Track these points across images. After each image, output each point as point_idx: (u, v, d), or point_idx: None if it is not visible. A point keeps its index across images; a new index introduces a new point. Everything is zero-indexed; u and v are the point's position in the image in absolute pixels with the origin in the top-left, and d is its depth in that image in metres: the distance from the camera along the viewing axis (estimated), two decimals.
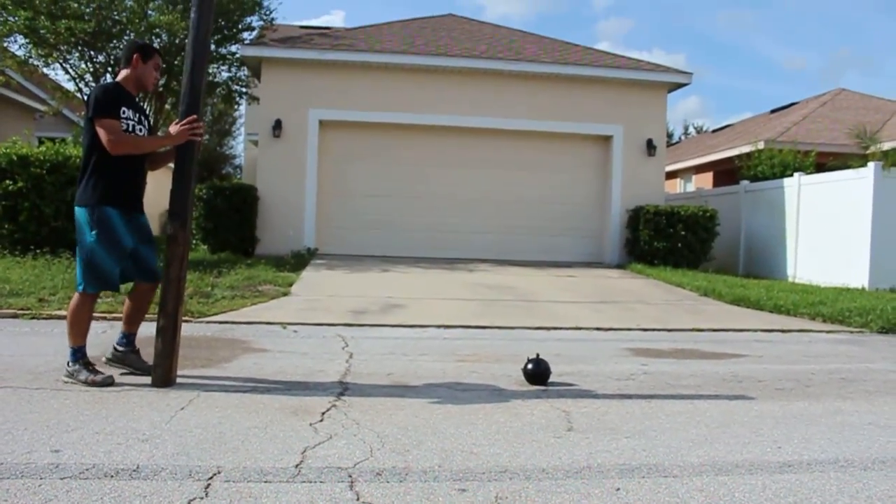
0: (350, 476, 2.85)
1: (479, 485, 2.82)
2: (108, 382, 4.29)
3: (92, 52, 13.98)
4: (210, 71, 15.52)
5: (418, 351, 5.99)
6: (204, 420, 3.60)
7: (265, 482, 2.76)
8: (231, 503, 2.55)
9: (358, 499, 2.62)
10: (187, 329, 6.76)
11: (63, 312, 7.04)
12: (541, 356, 4.93)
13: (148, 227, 4.65)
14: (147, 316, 4.76)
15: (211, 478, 2.79)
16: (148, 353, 4.48)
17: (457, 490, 2.75)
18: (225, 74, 15.83)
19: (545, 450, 3.32)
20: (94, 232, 4.32)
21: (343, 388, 4.44)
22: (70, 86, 15.46)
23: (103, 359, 4.71)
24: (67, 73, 14.46)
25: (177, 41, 13.99)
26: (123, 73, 4.59)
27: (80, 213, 4.39)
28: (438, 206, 14.60)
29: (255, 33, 15.62)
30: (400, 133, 14.48)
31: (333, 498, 2.62)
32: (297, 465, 2.96)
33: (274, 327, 7.04)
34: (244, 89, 16.33)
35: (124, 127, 4.40)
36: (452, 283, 10.69)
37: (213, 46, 15.11)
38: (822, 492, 2.88)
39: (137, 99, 4.77)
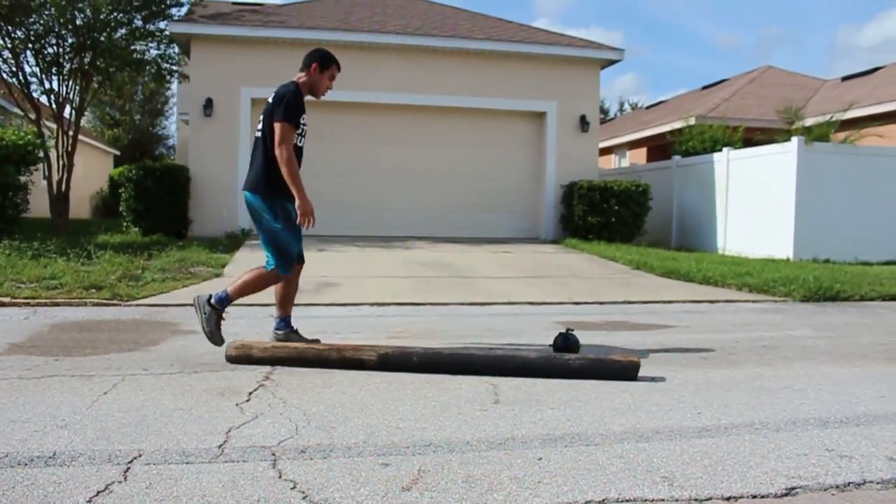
0: (273, 454, 2.84)
1: (403, 459, 2.84)
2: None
3: (10, 28, 13.40)
4: (138, 48, 15.05)
5: (351, 329, 5.97)
6: (127, 404, 3.54)
7: (187, 463, 2.73)
8: (150, 485, 2.51)
9: (280, 476, 2.61)
10: (115, 312, 6.64)
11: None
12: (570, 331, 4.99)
13: None
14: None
15: (131, 461, 2.74)
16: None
17: (380, 465, 2.77)
18: (154, 52, 15.38)
19: (471, 422, 3.36)
20: (279, 220, 4.59)
21: (272, 368, 4.40)
22: None
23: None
24: None
25: (101, 16, 13.52)
26: (300, 76, 4.83)
27: (256, 200, 4.60)
28: (375, 184, 14.52)
29: (184, 9, 15.17)
30: (333, 111, 14.24)
31: (255, 476, 2.60)
32: (220, 446, 2.93)
33: None
34: (174, 67, 15.89)
35: (300, 132, 4.72)
36: (388, 260, 10.68)
37: (140, 23, 14.63)
38: (735, 453, 2.98)
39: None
